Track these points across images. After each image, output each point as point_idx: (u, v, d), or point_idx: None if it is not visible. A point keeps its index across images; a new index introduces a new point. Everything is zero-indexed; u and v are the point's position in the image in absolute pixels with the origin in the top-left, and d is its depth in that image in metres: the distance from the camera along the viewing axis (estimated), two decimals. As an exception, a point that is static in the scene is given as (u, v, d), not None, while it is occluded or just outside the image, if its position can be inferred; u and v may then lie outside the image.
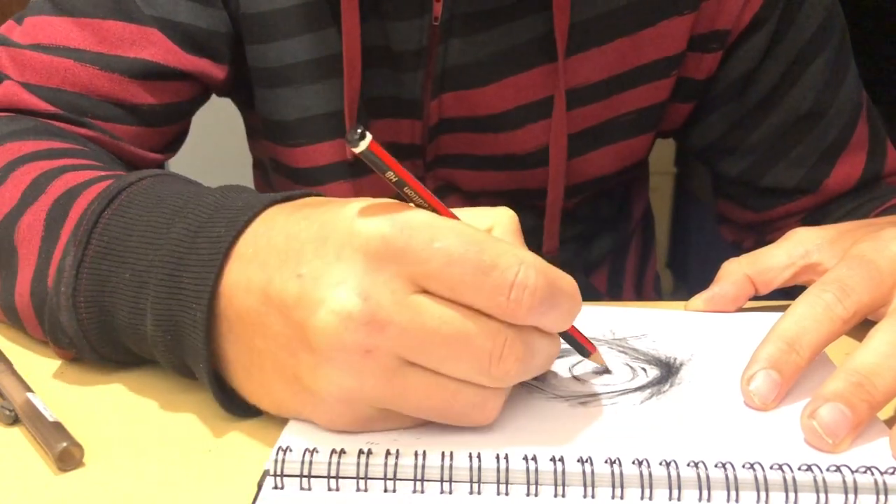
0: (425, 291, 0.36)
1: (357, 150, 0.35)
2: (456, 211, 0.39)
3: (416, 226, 0.36)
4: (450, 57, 0.66)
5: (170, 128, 0.70)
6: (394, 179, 0.37)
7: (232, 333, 0.40)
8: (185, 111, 0.71)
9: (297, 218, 0.39)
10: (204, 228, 0.40)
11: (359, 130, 0.35)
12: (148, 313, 0.41)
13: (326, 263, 0.36)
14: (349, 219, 0.37)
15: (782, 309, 0.45)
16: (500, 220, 0.40)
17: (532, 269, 0.36)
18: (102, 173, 0.51)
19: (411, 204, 0.38)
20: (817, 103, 0.70)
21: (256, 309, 0.38)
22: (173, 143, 0.73)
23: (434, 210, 0.38)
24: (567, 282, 0.38)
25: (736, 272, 0.54)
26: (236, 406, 0.42)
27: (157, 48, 0.65)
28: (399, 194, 0.38)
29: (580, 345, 0.45)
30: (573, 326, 0.43)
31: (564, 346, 0.45)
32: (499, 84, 0.67)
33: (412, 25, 0.65)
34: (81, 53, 0.63)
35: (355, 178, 0.72)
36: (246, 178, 0.91)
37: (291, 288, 0.37)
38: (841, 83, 0.70)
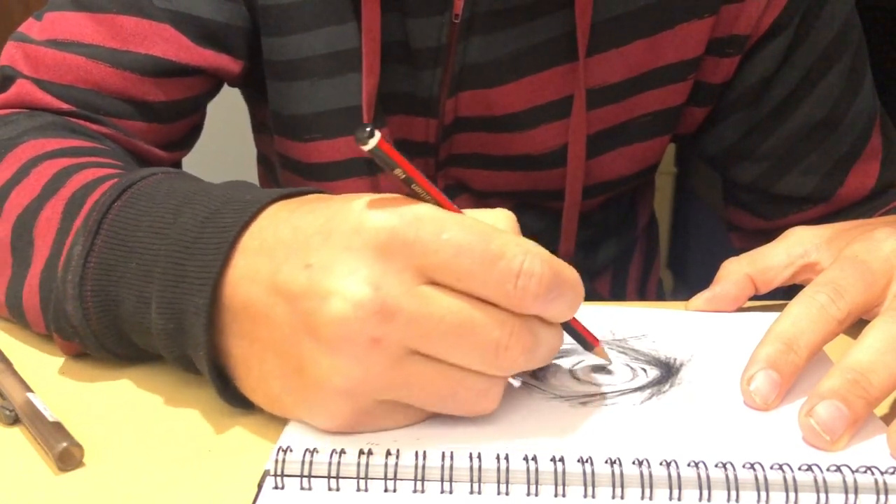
0: (433, 283, 0.37)
1: (366, 148, 0.36)
2: None
3: (424, 218, 0.37)
4: (469, 55, 0.66)
5: (182, 122, 0.70)
6: (402, 177, 0.38)
7: (235, 325, 0.40)
8: (197, 105, 0.70)
9: (302, 212, 0.39)
10: (212, 218, 0.41)
11: (367, 129, 0.35)
12: (153, 302, 0.41)
13: (335, 254, 0.37)
14: (357, 212, 0.37)
15: (781, 309, 0.45)
16: (500, 221, 0.40)
17: (537, 258, 0.37)
18: (121, 171, 0.51)
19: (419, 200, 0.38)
20: (833, 112, 0.70)
21: (262, 300, 0.38)
22: (186, 140, 0.72)
23: (441, 206, 0.38)
24: (570, 272, 0.38)
25: (737, 272, 0.54)
26: (233, 397, 0.42)
27: (168, 44, 0.64)
28: (410, 192, 0.38)
29: (583, 338, 0.44)
30: (576, 319, 0.43)
31: (565, 345, 0.45)
32: (517, 83, 0.67)
33: (432, 22, 0.65)
34: (94, 49, 0.63)
35: (372, 174, 0.71)
36: (250, 173, 0.90)
37: (300, 278, 0.37)
38: (857, 92, 0.70)
